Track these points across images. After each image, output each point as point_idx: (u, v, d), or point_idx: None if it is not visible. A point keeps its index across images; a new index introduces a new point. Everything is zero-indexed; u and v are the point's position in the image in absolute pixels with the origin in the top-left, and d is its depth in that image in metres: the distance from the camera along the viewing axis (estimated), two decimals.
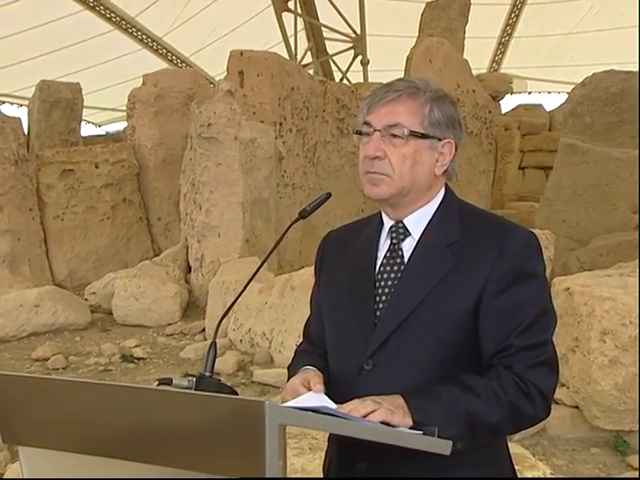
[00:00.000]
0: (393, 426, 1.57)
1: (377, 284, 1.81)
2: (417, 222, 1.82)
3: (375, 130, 1.78)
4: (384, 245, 1.85)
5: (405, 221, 1.83)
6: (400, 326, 1.74)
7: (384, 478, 1.75)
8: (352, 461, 1.76)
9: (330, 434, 1.90)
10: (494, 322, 1.71)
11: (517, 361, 1.68)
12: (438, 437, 1.56)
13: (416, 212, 1.83)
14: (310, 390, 1.69)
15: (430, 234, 1.80)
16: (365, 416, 1.55)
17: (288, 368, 1.97)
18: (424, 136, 1.78)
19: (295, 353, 2.04)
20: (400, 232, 1.83)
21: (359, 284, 1.84)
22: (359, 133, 1.83)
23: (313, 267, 2.05)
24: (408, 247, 1.82)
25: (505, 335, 1.70)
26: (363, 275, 1.84)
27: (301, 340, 2.10)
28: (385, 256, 1.83)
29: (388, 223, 1.86)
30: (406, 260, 1.80)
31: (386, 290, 1.79)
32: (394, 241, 1.83)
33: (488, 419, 1.65)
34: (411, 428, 1.59)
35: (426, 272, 1.76)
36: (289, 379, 1.85)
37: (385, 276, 1.81)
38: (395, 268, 1.81)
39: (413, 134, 1.76)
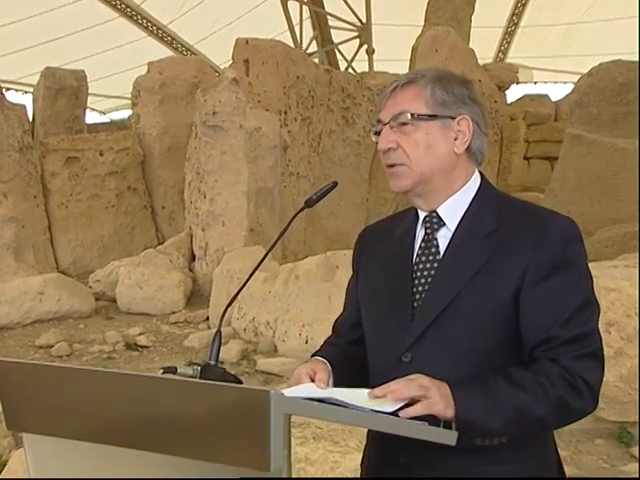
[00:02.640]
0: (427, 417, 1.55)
1: (414, 275, 1.79)
2: (452, 211, 1.80)
3: (384, 124, 1.79)
4: (419, 236, 1.83)
5: (439, 210, 1.80)
6: (438, 317, 1.71)
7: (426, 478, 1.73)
8: (394, 455, 1.74)
9: (368, 430, 1.88)
10: (534, 312, 1.68)
11: (562, 353, 1.64)
12: (444, 427, 1.56)
13: (449, 200, 1.80)
14: (313, 382, 1.69)
15: (467, 224, 1.77)
16: (406, 404, 1.53)
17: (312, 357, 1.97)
18: (432, 117, 1.76)
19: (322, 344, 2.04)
20: (434, 222, 1.81)
21: (396, 276, 1.82)
22: (377, 133, 1.83)
23: (350, 262, 2.04)
24: (444, 238, 1.79)
25: (547, 326, 1.66)
26: (400, 267, 1.82)
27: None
28: (420, 247, 1.81)
29: (422, 214, 1.84)
30: (442, 250, 1.78)
31: (422, 281, 1.77)
32: (428, 231, 1.81)
33: (535, 414, 1.61)
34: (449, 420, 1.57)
35: (463, 263, 1.73)
36: None
37: (421, 267, 1.79)
38: (430, 258, 1.79)
39: (419, 117, 1.75)
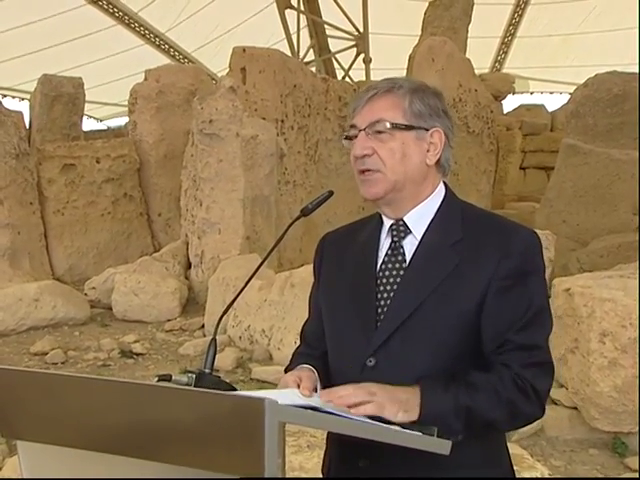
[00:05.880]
0: (387, 421, 1.57)
1: (378, 282, 1.81)
2: (418, 220, 1.83)
3: (360, 130, 1.81)
4: (384, 243, 1.86)
5: (405, 219, 1.84)
6: (403, 324, 1.74)
7: (386, 478, 1.76)
8: (353, 459, 1.77)
9: (328, 434, 1.91)
10: (494, 318, 1.72)
11: (514, 359, 1.69)
12: (438, 437, 1.57)
13: (415, 209, 1.84)
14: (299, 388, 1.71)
15: (433, 233, 1.81)
16: (353, 406, 1.56)
17: (285, 370, 1.98)
18: (408, 127, 1.79)
19: (292, 355, 2.05)
20: (400, 230, 1.84)
21: (360, 282, 1.84)
22: (349, 138, 1.86)
23: (312, 268, 2.06)
24: (410, 246, 1.82)
25: (503, 330, 1.71)
26: (364, 273, 1.84)
27: (299, 341, 2.11)
28: (386, 254, 1.84)
29: (388, 222, 1.87)
30: (408, 258, 1.81)
31: (388, 287, 1.80)
32: (395, 239, 1.84)
33: (488, 415, 1.67)
34: (414, 422, 1.60)
35: (429, 271, 1.76)
36: None
37: (387, 274, 1.81)
38: (397, 266, 1.81)
39: (397, 127, 1.78)
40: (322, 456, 1.99)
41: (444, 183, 1.89)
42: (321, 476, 1.96)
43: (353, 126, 1.83)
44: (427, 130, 1.81)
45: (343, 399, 1.56)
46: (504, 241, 1.75)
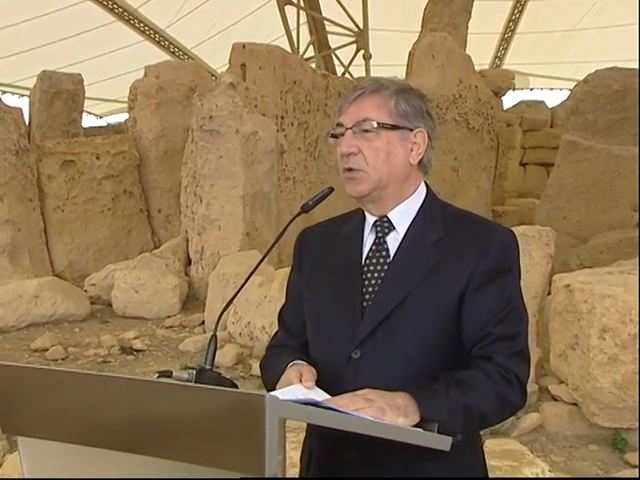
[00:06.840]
0: None
1: (363, 276, 1.85)
2: (402, 217, 1.88)
3: (346, 129, 1.84)
4: (368, 239, 1.90)
5: (389, 215, 1.88)
6: (388, 316, 1.78)
7: (378, 478, 1.77)
8: (338, 453, 1.78)
9: (308, 425, 1.91)
10: (474, 313, 1.77)
11: (496, 351, 1.74)
12: (437, 432, 1.58)
13: (399, 207, 1.88)
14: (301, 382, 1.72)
15: (416, 230, 1.86)
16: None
17: (260, 365, 2.00)
18: (394, 127, 1.83)
19: (269, 348, 2.05)
20: (385, 226, 1.88)
21: (345, 277, 1.87)
22: (334, 136, 1.89)
23: (292, 259, 2.08)
24: (393, 241, 1.86)
25: (483, 324, 1.76)
26: (349, 268, 1.88)
27: (276, 329, 2.11)
28: (371, 249, 1.88)
29: (372, 218, 1.91)
30: (392, 254, 1.85)
31: (372, 282, 1.84)
32: (379, 235, 1.88)
33: (481, 410, 1.70)
34: (416, 425, 1.60)
35: (412, 267, 1.81)
36: (266, 376, 1.92)
37: (372, 268, 1.85)
38: (381, 261, 1.85)
39: (383, 126, 1.82)
40: (301, 451, 1.98)
41: (425, 183, 1.94)
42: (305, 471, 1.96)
43: (340, 124, 1.87)
44: (411, 130, 1.85)
45: (343, 408, 1.55)
46: (484, 239, 1.81)
